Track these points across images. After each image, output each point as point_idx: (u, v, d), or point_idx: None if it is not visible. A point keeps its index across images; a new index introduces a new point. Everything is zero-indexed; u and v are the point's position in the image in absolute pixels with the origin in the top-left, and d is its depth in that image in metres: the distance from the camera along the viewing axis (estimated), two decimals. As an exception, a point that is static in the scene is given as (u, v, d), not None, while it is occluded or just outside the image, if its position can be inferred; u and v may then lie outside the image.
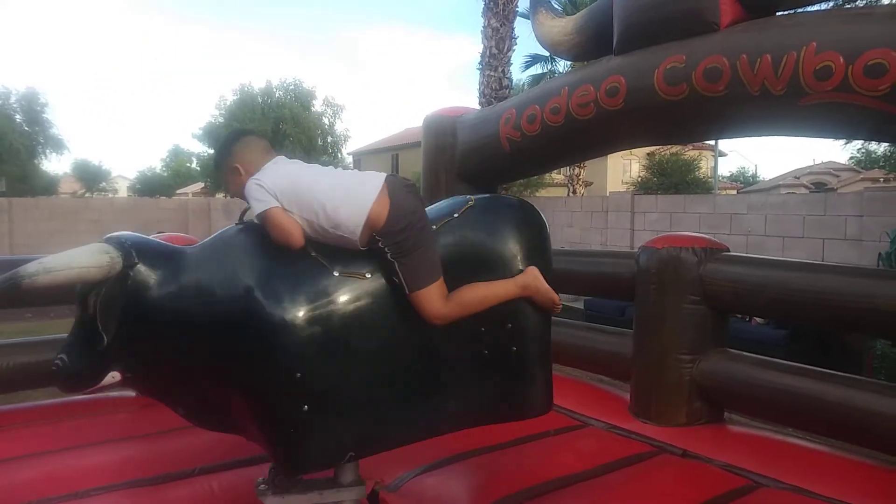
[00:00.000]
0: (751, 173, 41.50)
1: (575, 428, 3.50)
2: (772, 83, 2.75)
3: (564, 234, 13.33)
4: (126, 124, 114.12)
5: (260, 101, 32.61)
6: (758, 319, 6.90)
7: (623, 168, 27.80)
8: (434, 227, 2.20)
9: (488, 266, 2.21)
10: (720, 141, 21.05)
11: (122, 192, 45.80)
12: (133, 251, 2.01)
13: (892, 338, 5.20)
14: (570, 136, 3.79)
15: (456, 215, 2.27)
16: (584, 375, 4.49)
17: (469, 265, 2.19)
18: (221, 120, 32.35)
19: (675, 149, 20.58)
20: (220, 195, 33.43)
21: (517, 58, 24.06)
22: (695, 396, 3.44)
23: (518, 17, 11.84)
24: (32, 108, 28.81)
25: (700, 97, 3.04)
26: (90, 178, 41.41)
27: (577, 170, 18.73)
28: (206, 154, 35.31)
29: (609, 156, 23.45)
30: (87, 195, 36.33)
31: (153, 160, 67.57)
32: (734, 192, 27.62)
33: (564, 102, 3.68)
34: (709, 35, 3.00)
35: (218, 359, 2.03)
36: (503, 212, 2.35)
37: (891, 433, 2.75)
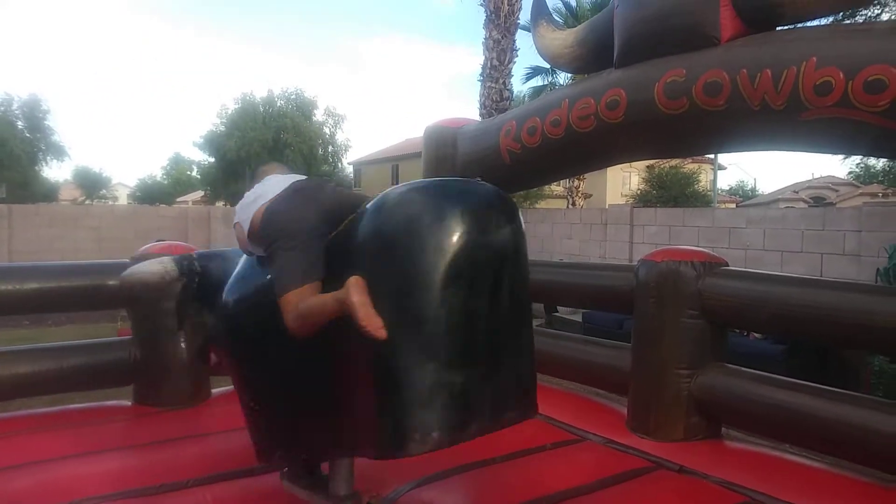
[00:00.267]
0: (750, 187, 41.61)
1: (572, 442, 3.48)
2: (772, 98, 2.76)
3: (563, 246, 13.33)
4: (127, 132, 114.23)
5: (261, 109, 32.67)
6: (756, 334, 6.88)
7: (623, 180, 27.85)
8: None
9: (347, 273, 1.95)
10: (720, 154, 21.11)
11: (123, 200, 45.81)
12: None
13: (891, 354, 5.18)
14: (571, 148, 3.79)
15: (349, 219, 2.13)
16: (582, 389, 4.47)
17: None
18: (223, 128, 32.41)
19: (674, 162, 20.63)
20: (220, 203, 33.47)
21: (518, 69, 24.16)
22: (692, 411, 3.42)
23: (519, 30, 11.89)
24: (34, 115, 28.86)
25: (700, 111, 3.04)
26: (90, 185, 41.46)
27: (576, 182, 18.74)
28: (206, 162, 35.36)
29: (609, 168, 23.50)
30: (87, 202, 36.34)
31: (154, 168, 67.75)
32: (733, 205, 27.66)
33: (565, 115, 3.69)
34: (709, 49, 3.01)
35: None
36: (365, 213, 2.08)
37: (888, 450, 2.74)
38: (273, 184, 2.27)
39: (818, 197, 28.24)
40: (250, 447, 2.54)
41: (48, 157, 30.17)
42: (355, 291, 1.83)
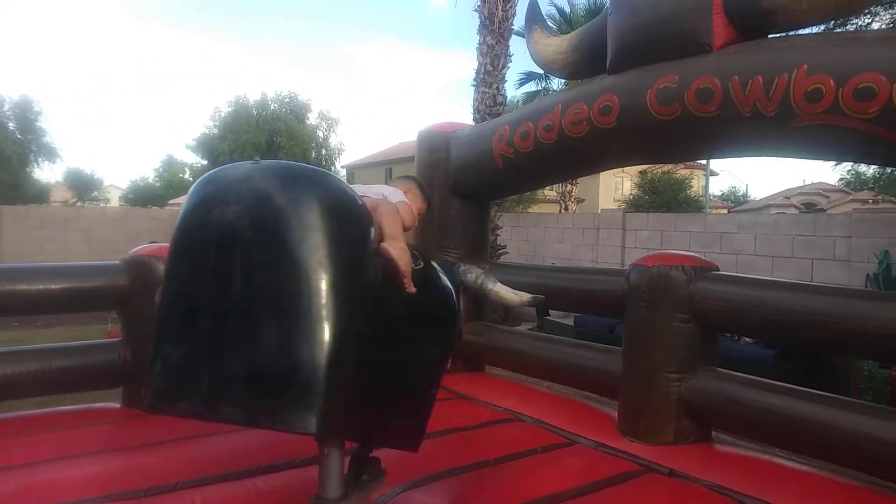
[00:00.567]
0: (742, 193, 41.80)
1: (562, 445, 3.49)
2: (763, 104, 2.78)
3: (555, 251, 13.35)
4: (119, 134, 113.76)
5: (255, 112, 32.62)
6: (747, 339, 6.91)
7: (615, 186, 27.93)
8: None
9: None
10: (711, 160, 21.22)
11: (114, 202, 45.61)
12: None
13: (880, 359, 5.22)
14: (563, 153, 3.80)
15: None
16: (573, 392, 4.48)
17: None
18: (216, 131, 32.34)
19: (666, 167, 20.72)
20: (212, 206, 33.31)
21: (512, 75, 24.20)
22: (683, 415, 3.43)
23: (513, 35, 11.89)
24: (26, 117, 28.69)
25: (692, 117, 3.06)
26: (82, 186, 41.21)
27: (569, 186, 18.78)
28: (199, 165, 35.25)
29: (601, 173, 23.58)
30: (78, 204, 36.14)
31: (146, 170, 67.38)
32: (725, 211, 27.79)
33: (558, 120, 3.70)
34: (701, 56, 3.03)
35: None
36: None
37: (877, 455, 2.75)
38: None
39: (809, 203, 28.39)
40: (238, 449, 2.54)
41: (39, 159, 29.98)
42: None
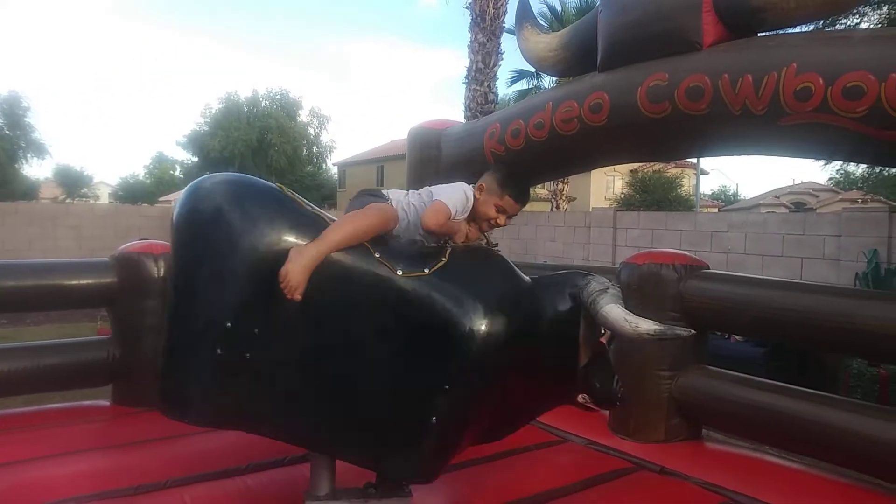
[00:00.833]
0: (732, 192, 42.01)
1: (554, 443, 3.49)
2: (753, 103, 2.79)
3: (547, 249, 13.37)
4: (109, 130, 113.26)
5: (245, 110, 32.54)
6: (737, 337, 6.94)
7: (606, 184, 28.00)
8: None
9: None
10: (702, 159, 21.31)
11: (104, 199, 45.34)
12: None
13: (869, 357, 5.25)
14: (554, 151, 3.80)
15: None
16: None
17: None
18: (206, 128, 32.23)
19: (657, 166, 20.81)
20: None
21: (503, 73, 24.26)
22: (673, 413, 3.45)
23: (504, 33, 11.91)
24: (14, 112, 28.51)
25: (682, 115, 3.06)
26: (72, 183, 40.97)
27: (560, 185, 18.84)
28: (189, 162, 35.13)
29: (592, 172, 23.62)
30: (67, 201, 35.92)
31: (136, 167, 67.05)
32: (715, 210, 27.91)
33: (548, 118, 3.70)
34: (691, 54, 3.03)
35: None
36: None
37: (866, 452, 2.77)
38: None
39: (799, 202, 28.55)
40: (228, 447, 2.53)
41: (28, 155, 29.82)
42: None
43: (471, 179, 2.60)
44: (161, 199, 41.52)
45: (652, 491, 2.94)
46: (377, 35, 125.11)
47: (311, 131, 34.60)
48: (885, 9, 9.22)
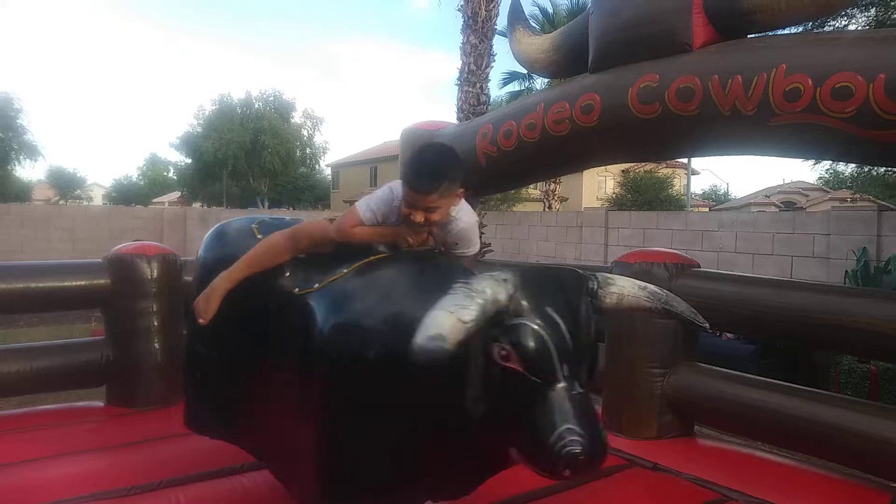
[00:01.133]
0: (723, 192, 42.11)
1: (547, 441, 3.50)
2: (742, 103, 2.81)
3: (539, 249, 13.41)
4: (103, 132, 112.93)
5: (239, 111, 32.46)
6: (728, 334, 6.98)
7: (598, 184, 28.07)
8: None
9: None
10: (693, 159, 21.37)
11: (98, 200, 45.15)
12: None
13: (859, 354, 5.30)
14: (546, 151, 3.82)
15: None
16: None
17: None
18: (199, 130, 32.13)
19: (649, 166, 20.88)
20: (196, 204, 33.10)
21: (495, 74, 24.26)
22: (665, 410, 3.47)
23: (497, 35, 11.91)
24: (6, 114, 28.34)
25: (673, 116, 3.09)
26: (65, 185, 40.80)
27: (552, 185, 18.87)
28: (182, 163, 35.03)
29: (585, 172, 23.68)
30: (61, 202, 35.73)
31: (130, 168, 66.74)
32: (706, 209, 28.01)
33: (540, 119, 3.72)
34: (682, 55, 3.06)
35: None
36: None
37: (857, 447, 2.80)
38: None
39: (789, 202, 28.70)
40: (222, 447, 2.54)
41: (21, 157, 29.65)
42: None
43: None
44: (154, 200, 41.36)
45: (644, 487, 2.96)
46: (370, 37, 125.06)
47: (305, 133, 34.56)
48: (872, 11, 9.29)
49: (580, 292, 1.74)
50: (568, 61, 3.82)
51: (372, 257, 2.07)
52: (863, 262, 7.56)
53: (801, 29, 6.06)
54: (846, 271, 7.64)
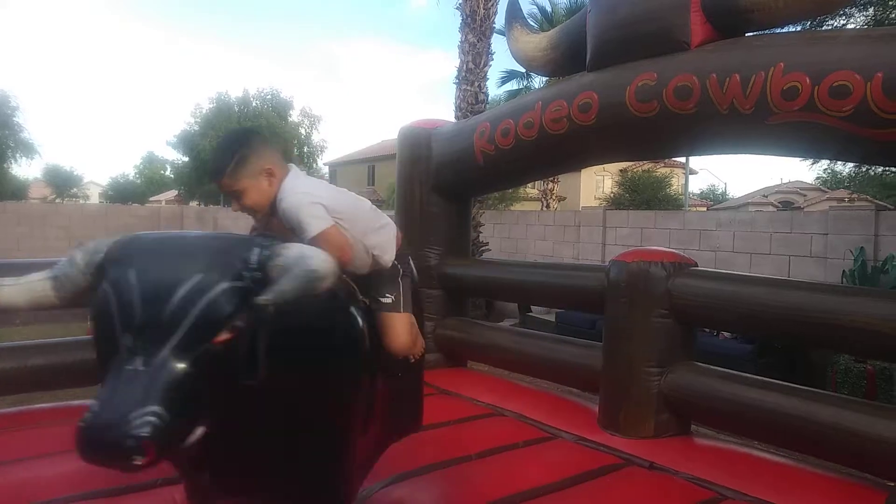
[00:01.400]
0: (720, 191, 42.15)
1: (544, 440, 3.51)
2: (740, 102, 2.81)
3: (537, 248, 13.40)
4: (100, 130, 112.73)
5: (236, 109, 32.38)
6: (725, 334, 6.99)
7: (596, 184, 28.07)
8: None
9: None
10: (691, 159, 21.41)
11: (94, 199, 45.05)
12: None
13: (856, 353, 5.30)
14: (543, 150, 3.82)
15: None
16: (554, 387, 4.51)
17: None
18: (196, 128, 32.05)
19: (646, 165, 20.88)
20: (194, 203, 33.05)
21: (493, 73, 24.26)
22: (662, 409, 3.47)
23: (495, 34, 11.91)
24: (3, 112, 28.23)
25: (670, 114, 3.09)
26: (61, 183, 40.68)
27: (550, 185, 18.87)
28: (180, 161, 34.95)
29: (582, 171, 23.70)
30: (57, 200, 35.65)
31: (126, 167, 66.58)
32: (704, 209, 28.03)
33: (538, 117, 3.72)
34: (680, 54, 3.06)
35: None
36: None
37: (853, 446, 2.80)
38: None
39: (786, 201, 28.74)
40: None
41: (17, 155, 29.54)
42: None
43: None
44: (151, 198, 41.29)
45: (642, 486, 2.96)
46: (368, 35, 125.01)
47: (303, 131, 34.48)
48: (870, 10, 9.29)
49: (225, 262, 1.51)
50: (566, 59, 3.82)
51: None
52: (860, 261, 7.56)
53: (799, 28, 6.07)
54: (843, 271, 7.64)
